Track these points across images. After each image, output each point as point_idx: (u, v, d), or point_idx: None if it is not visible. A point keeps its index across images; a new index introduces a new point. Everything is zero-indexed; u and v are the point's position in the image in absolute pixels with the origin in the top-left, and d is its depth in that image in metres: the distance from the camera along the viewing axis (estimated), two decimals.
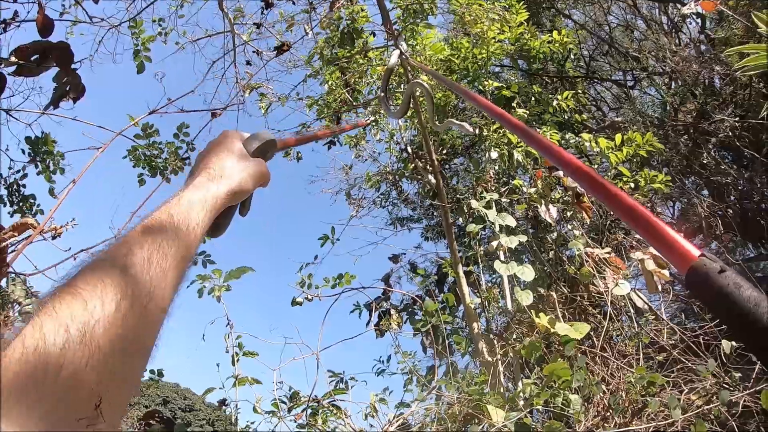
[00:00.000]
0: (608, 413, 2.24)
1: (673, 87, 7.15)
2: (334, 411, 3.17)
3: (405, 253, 6.14)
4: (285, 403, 3.24)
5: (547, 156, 0.86)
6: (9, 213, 3.55)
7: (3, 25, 2.55)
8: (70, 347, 0.43)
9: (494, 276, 5.53)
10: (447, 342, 4.02)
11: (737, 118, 5.70)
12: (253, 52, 4.86)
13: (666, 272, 3.30)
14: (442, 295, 3.84)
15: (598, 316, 3.15)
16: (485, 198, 3.68)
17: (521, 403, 2.27)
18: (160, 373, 3.82)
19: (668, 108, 7.14)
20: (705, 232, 6.27)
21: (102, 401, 0.43)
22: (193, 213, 0.67)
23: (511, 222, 3.51)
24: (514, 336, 3.36)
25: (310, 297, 3.63)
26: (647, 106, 7.70)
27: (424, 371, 4.83)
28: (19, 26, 2.66)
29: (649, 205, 5.96)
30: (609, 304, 2.96)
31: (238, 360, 3.24)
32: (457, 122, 1.95)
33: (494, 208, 3.80)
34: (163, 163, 4.09)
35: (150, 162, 4.06)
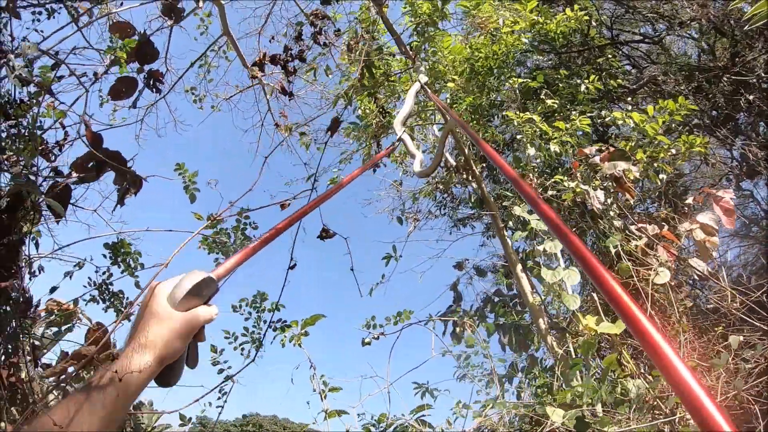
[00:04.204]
0: (655, 403, 2.38)
1: (703, 29, 6.98)
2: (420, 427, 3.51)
3: (468, 259, 6.33)
4: (375, 425, 3.64)
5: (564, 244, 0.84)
6: (103, 309, 4.07)
7: (58, 147, 2.91)
8: None
9: None
10: (521, 338, 4.23)
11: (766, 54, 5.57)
12: (281, 116, 5.23)
13: (716, 239, 3.37)
14: (466, 317, 4.14)
15: (656, 294, 3.24)
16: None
17: (582, 400, 2.43)
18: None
19: (703, 51, 6.98)
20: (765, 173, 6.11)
21: None
22: (108, 396, 0.80)
23: None
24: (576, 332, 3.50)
25: (376, 336, 4.03)
26: (680, 56, 7.54)
27: (504, 369, 5.03)
28: (71, 145, 3.00)
29: (705, 158, 5.87)
30: (650, 294, 3.01)
31: (325, 396, 3.65)
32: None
33: None
34: (233, 246, 4.50)
35: (220, 247, 4.50)
